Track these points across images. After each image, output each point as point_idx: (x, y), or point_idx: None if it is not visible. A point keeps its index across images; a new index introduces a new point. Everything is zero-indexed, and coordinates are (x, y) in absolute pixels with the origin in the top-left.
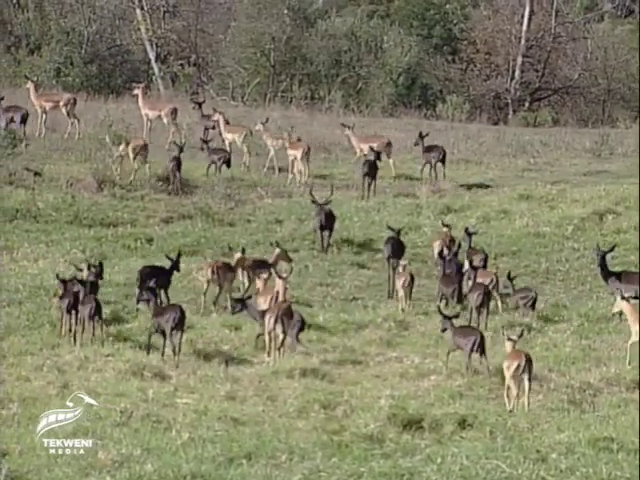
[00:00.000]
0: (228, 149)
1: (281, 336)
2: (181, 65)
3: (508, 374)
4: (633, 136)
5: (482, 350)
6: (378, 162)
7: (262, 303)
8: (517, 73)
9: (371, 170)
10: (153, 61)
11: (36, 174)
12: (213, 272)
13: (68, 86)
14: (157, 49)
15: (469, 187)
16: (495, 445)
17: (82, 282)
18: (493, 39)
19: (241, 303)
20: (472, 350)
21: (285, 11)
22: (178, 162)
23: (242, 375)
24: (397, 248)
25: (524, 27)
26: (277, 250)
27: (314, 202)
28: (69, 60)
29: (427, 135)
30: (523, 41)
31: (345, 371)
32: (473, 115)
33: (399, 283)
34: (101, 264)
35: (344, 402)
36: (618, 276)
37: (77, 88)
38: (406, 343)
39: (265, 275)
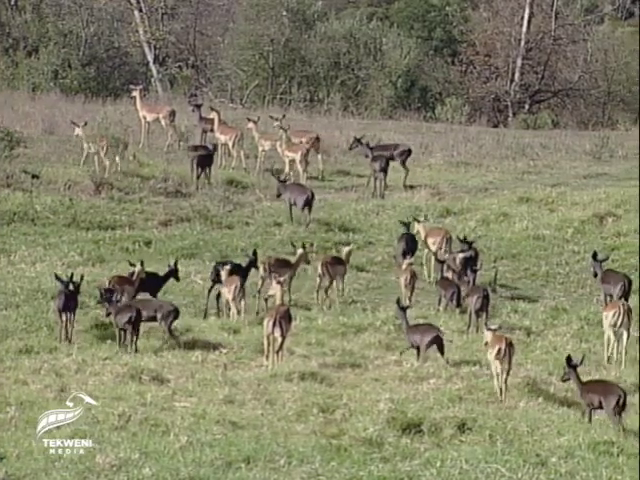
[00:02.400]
0: (220, 149)
1: (279, 340)
2: (179, 67)
3: (493, 360)
4: (633, 139)
5: (440, 348)
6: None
7: (226, 293)
8: (517, 75)
9: (386, 166)
10: (151, 63)
11: (34, 177)
12: (265, 269)
13: (66, 88)
14: (155, 51)
15: (469, 190)
16: (495, 449)
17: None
18: (493, 41)
19: (109, 293)
20: (428, 348)
21: (284, 13)
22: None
23: (241, 379)
24: (411, 245)
25: (524, 29)
26: (346, 248)
27: (277, 179)
28: (67, 62)
29: (363, 136)
30: (523, 43)
31: (344, 374)
32: (473, 117)
33: (402, 280)
34: (255, 252)
35: (343, 406)
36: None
37: (75, 90)
38: (405, 346)
39: (228, 267)
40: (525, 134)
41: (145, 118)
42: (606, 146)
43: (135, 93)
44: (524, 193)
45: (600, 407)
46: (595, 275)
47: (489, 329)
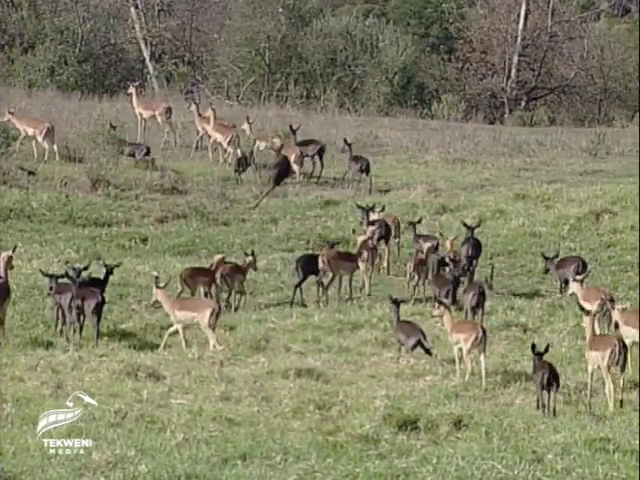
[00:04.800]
0: (214, 147)
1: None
2: (175, 64)
3: (465, 347)
4: (629, 135)
5: (424, 348)
6: None
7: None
8: (513, 72)
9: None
10: (147, 60)
11: (30, 173)
12: (324, 262)
13: (62, 85)
14: (152, 48)
15: (465, 187)
16: (491, 446)
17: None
18: (489, 38)
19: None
20: (412, 350)
21: (280, 10)
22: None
23: (237, 375)
24: (386, 232)
25: (520, 26)
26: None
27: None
28: (63, 59)
29: (299, 128)
30: (519, 40)
31: (340, 371)
32: (469, 114)
33: (408, 266)
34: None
35: (339, 402)
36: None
37: (71, 87)
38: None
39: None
40: (521, 131)
41: (141, 115)
42: (602, 143)
43: (131, 90)
44: (520, 190)
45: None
46: (546, 271)
47: (440, 302)
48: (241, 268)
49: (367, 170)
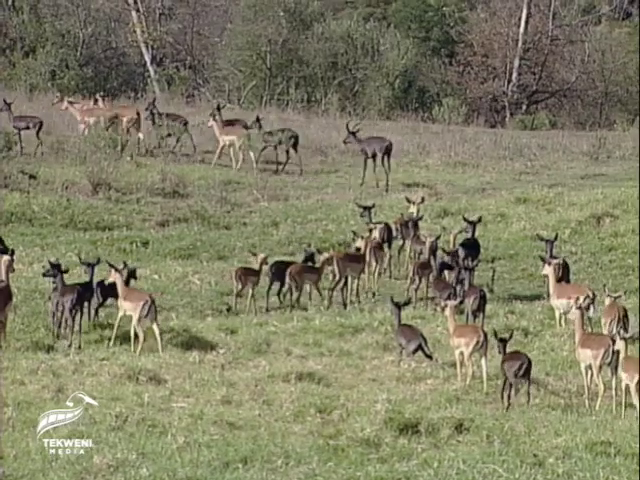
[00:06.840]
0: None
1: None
2: (177, 68)
3: (466, 351)
4: (630, 139)
5: (425, 353)
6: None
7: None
8: (514, 76)
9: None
10: (149, 64)
11: (31, 177)
12: (331, 263)
13: (63, 88)
14: (153, 52)
15: (466, 190)
16: (492, 449)
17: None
18: (490, 42)
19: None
20: (413, 354)
21: (281, 13)
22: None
23: (238, 379)
24: (388, 235)
25: (521, 30)
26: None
27: None
28: (64, 63)
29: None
30: (520, 44)
31: (341, 375)
32: (470, 118)
33: (412, 268)
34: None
35: (340, 406)
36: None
37: (72, 91)
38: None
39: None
40: (522, 134)
41: (87, 123)
42: (603, 147)
43: (65, 105)
44: (521, 194)
45: (515, 376)
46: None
47: (443, 308)
48: (315, 268)
49: (294, 144)
